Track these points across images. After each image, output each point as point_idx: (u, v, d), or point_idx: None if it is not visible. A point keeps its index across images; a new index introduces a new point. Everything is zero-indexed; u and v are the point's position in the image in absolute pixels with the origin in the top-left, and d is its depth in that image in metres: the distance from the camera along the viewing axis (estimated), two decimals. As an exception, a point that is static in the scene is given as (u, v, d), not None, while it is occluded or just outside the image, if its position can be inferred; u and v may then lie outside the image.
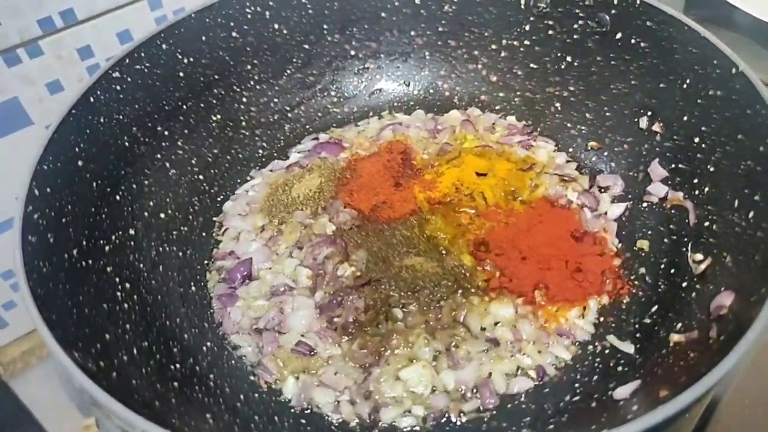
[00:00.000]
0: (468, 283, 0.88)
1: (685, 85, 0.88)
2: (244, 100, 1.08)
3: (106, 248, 0.82)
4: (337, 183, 1.02)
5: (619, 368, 0.78)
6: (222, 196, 1.03)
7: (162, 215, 0.94)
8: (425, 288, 0.87)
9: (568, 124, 1.07)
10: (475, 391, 0.80)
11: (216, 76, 1.03)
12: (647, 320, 0.82)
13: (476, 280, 0.88)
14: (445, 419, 0.78)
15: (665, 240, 0.89)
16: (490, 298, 0.87)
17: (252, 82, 1.08)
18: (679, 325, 0.76)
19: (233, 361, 0.85)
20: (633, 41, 0.94)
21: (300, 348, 0.84)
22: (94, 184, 0.83)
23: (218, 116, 1.05)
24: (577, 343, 0.84)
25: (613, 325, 0.84)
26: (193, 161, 1.01)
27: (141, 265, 0.86)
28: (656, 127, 0.94)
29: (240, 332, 0.87)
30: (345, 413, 0.79)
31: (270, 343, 0.85)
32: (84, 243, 0.78)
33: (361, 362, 0.82)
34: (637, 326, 0.83)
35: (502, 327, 0.84)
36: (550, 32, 1.04)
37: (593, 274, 0.88)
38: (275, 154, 1.10)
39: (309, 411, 0.80)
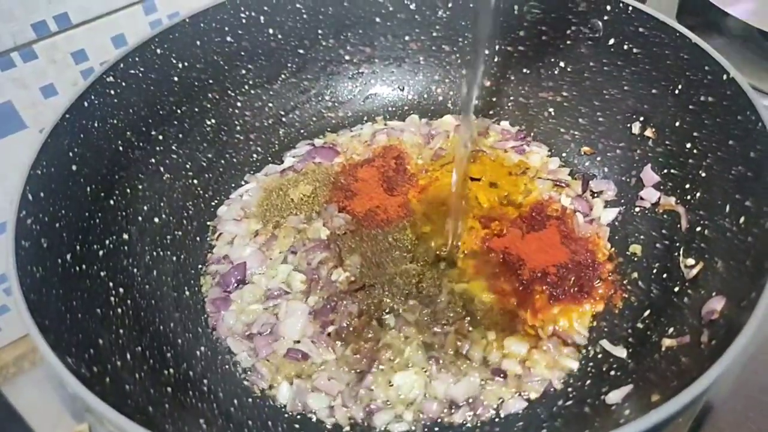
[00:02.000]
0: (483, 315, 0.86)
1: (676, 91, 0.89)
2: (239, 104, 1.08)
3: (100, 253, 0.81)
4: (331, 188, 1.02)
5: (612, 373, 0.78)
6: (216, 201, 1.03)
7: (156, 220, 0.94)
8: (425, 305, 0.86)
9: (561, 129, 1.07)
10: (470, 401, 0.79)
11: (210, 81, 1.03)
12: (640, 325, 0.82)
13: (493, 313, 0.86)
14: (437, 426, 0.78)
15: (657, 245, 0.89)
16: (504, 332, 0.84)
17: (246, 87, 1.08)
18: (671, 329, 0.76)
19: (227, 366, 0.85)
20: (625, 47, 0.94)
21: (293, 353, 0.84)
22: (88, 188, 0.83)
23: (213, 121, 1.05)
24: (579, 350, 0.83)
25: (605, 329, 0.85)
26: (188, 165, 1.01)
27: (135, 270, 0.86)
28: (648, 133, 0.95)
29: (234, 337, 0.87)
30: (339, 418, 0.79)
31: (264, 347, 0.85)
32: (77, 248, 0.77)
33: (355, 367, 0.82)
34: (629, 331, 0.83)
35: (510, 360, 0.82)
36: (544, 38, 1.04)
37: (586, 279, 0.88)
38: (270, 159, 1.10)
39: (303, 416, 0.80)
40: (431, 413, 0.78)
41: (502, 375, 0.81)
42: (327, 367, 0.82)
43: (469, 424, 0.78)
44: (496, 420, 0.78)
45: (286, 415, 0.80)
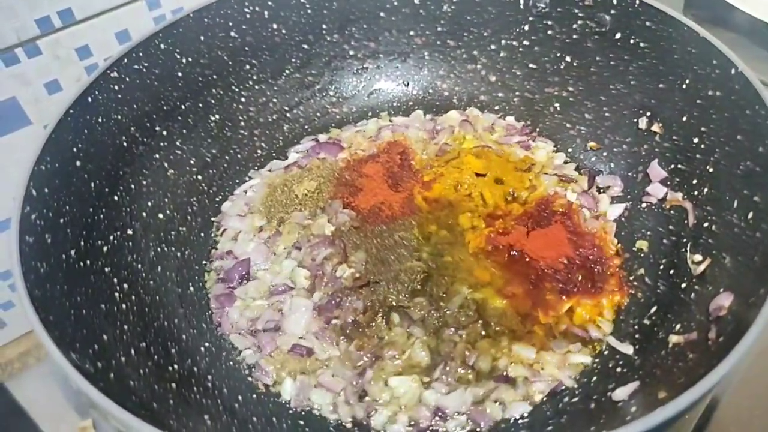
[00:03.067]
0: (497, 321, 0.84)
1: (684, 86, 0.88)
2: (243, 100, 1.07)
3: (104, 249, 0.81)
4: (335, 183, 1.02)
5: (618, 369, 0.78)
6: (220, 197, 1.03)
7: (160, 215, 0.94)
8: (435, 308, 0.85)
9: (567, 125, 1.06)
10: (465, 413, 0.77)
11: (214, 76, 1.03)
12: (646, 321, 0.82)
13: (507, 318, 0.84)
14: (433, 428, 0.77)
15: (664, 241, 0.89)
16: (516, 338, 0.83)
17: (251, 82, 1.08)
18: (678, 326, 0.76)
19: (231, 362, 0.84)
20: (632, 41, 0.94)
21: (298, 348, 0.83)
22: (92, 184, 0.83)
23: (217, 116, 1.04)
24: (587, 345, 0.82)
25: (612, 325, 0.84)
26: (192, 161, 1.01)
27: (139, 266, 0.86)
28: (655, 128, 0.94)
29: (238, 333, 0.87)
30: (342, 414, 0.79)
31: (268, 343, 0.85)
32: (82, 243, 0.77)
33: (358, 363, 0.81)
34: (636, 327, 0.82)
35: (518, 366, 0.80)
36: (550, 32, 1.03)
37: (598, 274, 0.88)
38: (274, 155, 1.10)
39: (307, 412, 0.80)
40: (422, 421, 0.77)
41: (508, 382, 0.79)
42: (331, 364, 0.82)
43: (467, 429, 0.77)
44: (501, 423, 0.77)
45: (290, 411, 0.80)
